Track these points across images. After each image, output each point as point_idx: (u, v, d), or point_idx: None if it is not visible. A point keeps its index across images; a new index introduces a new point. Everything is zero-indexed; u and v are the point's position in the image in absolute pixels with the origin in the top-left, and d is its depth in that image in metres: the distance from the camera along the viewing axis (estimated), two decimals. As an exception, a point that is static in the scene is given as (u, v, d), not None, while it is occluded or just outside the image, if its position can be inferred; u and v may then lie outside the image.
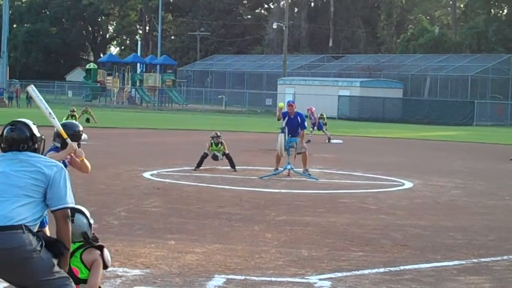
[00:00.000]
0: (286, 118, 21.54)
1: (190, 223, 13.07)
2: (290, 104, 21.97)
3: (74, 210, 6.72)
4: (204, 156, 21.98)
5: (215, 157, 22.27)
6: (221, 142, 22.36)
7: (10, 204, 5.83)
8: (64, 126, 8.55)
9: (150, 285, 8.75)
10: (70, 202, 6.06)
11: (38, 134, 6.23)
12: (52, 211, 6.01)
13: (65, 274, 5.97)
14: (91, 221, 6.96)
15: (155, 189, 17.42)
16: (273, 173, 20.97)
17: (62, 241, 5.98)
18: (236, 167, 21.89)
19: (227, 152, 22.21)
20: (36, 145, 6.19)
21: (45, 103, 7.85)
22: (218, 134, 22.76)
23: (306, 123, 22.44)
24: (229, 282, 9.01)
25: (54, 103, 64.27)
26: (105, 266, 6.91)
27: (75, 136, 8.76)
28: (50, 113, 7.92)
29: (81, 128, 9.11)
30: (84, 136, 9.12)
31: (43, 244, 5.86)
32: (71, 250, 6.39)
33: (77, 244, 6.74)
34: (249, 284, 8.94)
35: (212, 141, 22.37)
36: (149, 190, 17.28)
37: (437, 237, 12.52)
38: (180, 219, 13.51)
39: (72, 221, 6.51)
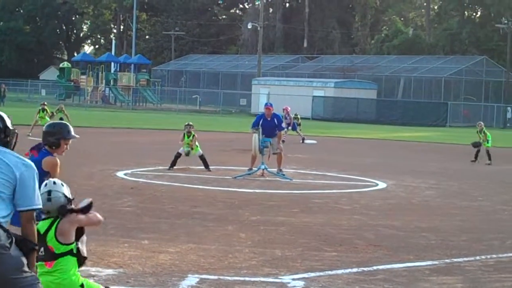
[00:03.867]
0: (261, 120, 21.49)
1: (164, 223, 13.05)
2: (267, 107, 21.91)
3: (50, 191, 6.62)
4: (177, 155, 21.93)
5: (187, 154, 22.21)
6: (194, 135, 22.25)
7: None
8: (52, 126, 8.46)
9: (123, 285, 8.72)
10: (38, 203, 5.93)
11: (11, 127, 6.03)
12: (18, 211, 5.88)
13: (34, 274, 5.87)
14: (70, 196, 6.71)
15: (129, 188, 17.36)
16: (247, 173, 20.96)
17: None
18: (210, 167, 21.86)
19: (201, 153, 22.17)
20: (8, 138, 6.00)
21: None
22: (191, 123, 22.71)
23: (283, 124, 22.37)
24: (203, 282, 8.99)
25: (28, 102, 63.88)
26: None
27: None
28: None
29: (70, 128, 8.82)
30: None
31: (13, 241, 5.78)
32: (46, 227, 6.48)
33: (49, 221, 6.60)
34: (222, 284, 8.93)
35: (185, 131, 22.31)
36: (123, 189, 17.22)
37: (410, 237, 12.58)
38: (154, 218, 13.48)
39: (49, 200, 6.53)
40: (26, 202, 5.85)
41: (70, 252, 6.68)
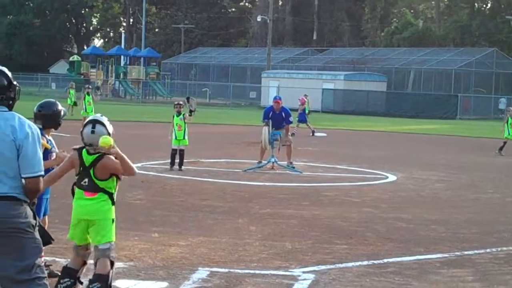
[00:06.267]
0: (271, 113, 21.46)
1: (174, 216, 13.07)
2: (276, 101, 21.83)
3: (95, 122, 7.25)
4: (173, 153, 20.22)
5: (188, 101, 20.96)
6: (184, 114, 20.57)
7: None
8: (41, 106, 8.55)
9: (134, 278, 8.73)
10: (42, 169, 5.72)
11: (15, 82, 5.85)
12: (22, 178, 5.70)
13: (44, 270, 5.79)
14: (110, 130, 7.35)
15: (139, 181, 17.34)
16: (257, 166, 20.95)
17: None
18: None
19: (184, 148, 20.34)
20: (13, 93, 5.81)
21: None
22: (181, 103, 21.38)
23: (291, 118, 22.17)
24: (213, 275, 9.01)
25: (38, 96, 63.95)
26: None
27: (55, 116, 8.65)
28: None
29: (59, 107, 8.83)
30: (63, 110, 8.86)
31: (37, 223, 5.74)
32: (91, 161, 7.15)
33: (95, 156, 7.20)
34: (232, 277, 8.94)
35: (174, 112, 20.78)
36: (133, 182, 17.19)
37: (420, 230, 12.57)
38: (164, 212, 13.50)
39: (93, 132, 7.14)
40: (28, 169, 5.67)
41: (108, 192, 7.28)
